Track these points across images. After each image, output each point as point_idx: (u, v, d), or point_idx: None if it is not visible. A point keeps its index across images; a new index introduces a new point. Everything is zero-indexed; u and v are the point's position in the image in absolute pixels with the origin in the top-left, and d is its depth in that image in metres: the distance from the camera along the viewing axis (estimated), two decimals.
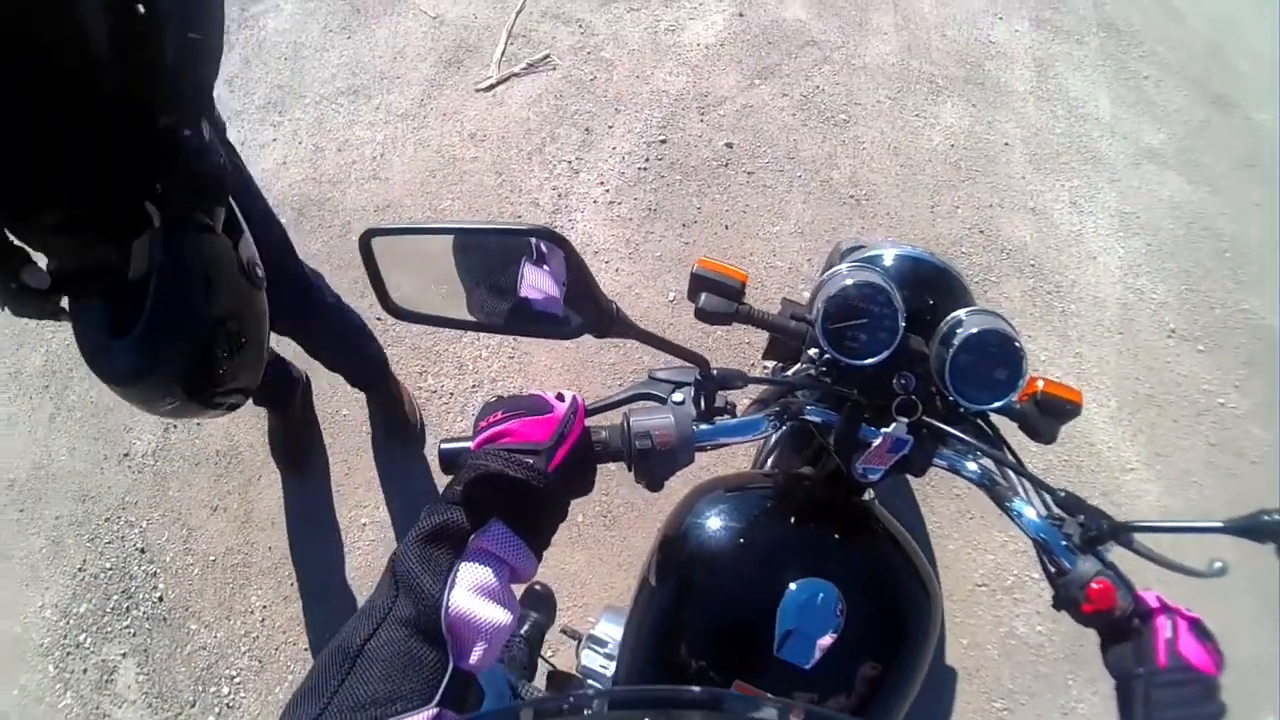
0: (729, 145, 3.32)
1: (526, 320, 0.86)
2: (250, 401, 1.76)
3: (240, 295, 1.42)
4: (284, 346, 2.40)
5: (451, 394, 2.79)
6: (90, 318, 1.35)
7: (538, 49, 3.69)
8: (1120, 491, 2.69)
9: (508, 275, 0.85)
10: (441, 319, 0.86)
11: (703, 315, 0.92)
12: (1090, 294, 3.11)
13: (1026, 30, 4.05)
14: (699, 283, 0.91)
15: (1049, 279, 3.12)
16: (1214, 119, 3.79)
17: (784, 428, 1.01)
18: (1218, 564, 0.80)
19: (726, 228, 3.14)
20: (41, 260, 1.36)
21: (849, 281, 0.94)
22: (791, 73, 3.65)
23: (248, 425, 2.73)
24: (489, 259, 0.87)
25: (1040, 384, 0.95)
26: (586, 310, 0.83)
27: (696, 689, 0.56)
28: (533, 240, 0.84)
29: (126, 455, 2.75)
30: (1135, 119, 3.74)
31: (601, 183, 3.24)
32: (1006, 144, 3.53)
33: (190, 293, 1.32)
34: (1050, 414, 0.94)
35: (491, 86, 3.55)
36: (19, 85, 1.11)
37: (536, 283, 0.84)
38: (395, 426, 2.63)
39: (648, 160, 3.25)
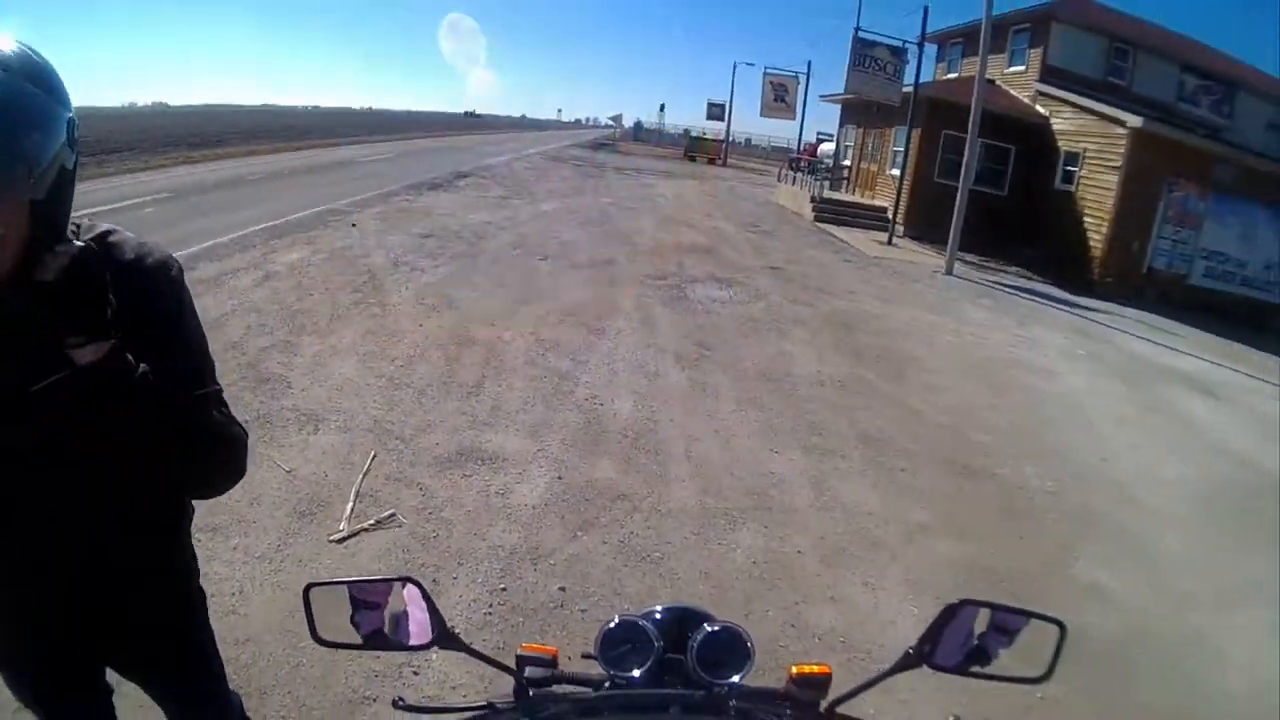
0: (562, 589, 3.62)
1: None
2: None
3: None
4: None
5: None
6: None
7: (384, 508, 4.06)
8: None
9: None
10: (349, 645, 1.18)
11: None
12: (895, 650, 3.38)
13: (799, 457, 4.82)
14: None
15: (858, 648, 3.40)
16: (966, 485, 4.47)
17: None
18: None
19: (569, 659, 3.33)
20: None
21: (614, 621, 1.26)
22: (608, 523, 4.13)
23: None
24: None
25: (793, 669, 1.22)
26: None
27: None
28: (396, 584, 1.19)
29: None
30: (901, 504, 4.37)
31: (452, 625, 3.43)
32: (799, 551, 4.02)
33: None
34: (810, 687, 1.20)
35: (344, 539, 3.80)
36: None
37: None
38: None
39: (491, 606, 3.48)
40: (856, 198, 23.36)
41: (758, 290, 10.50)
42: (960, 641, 1.12)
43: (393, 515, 4.00)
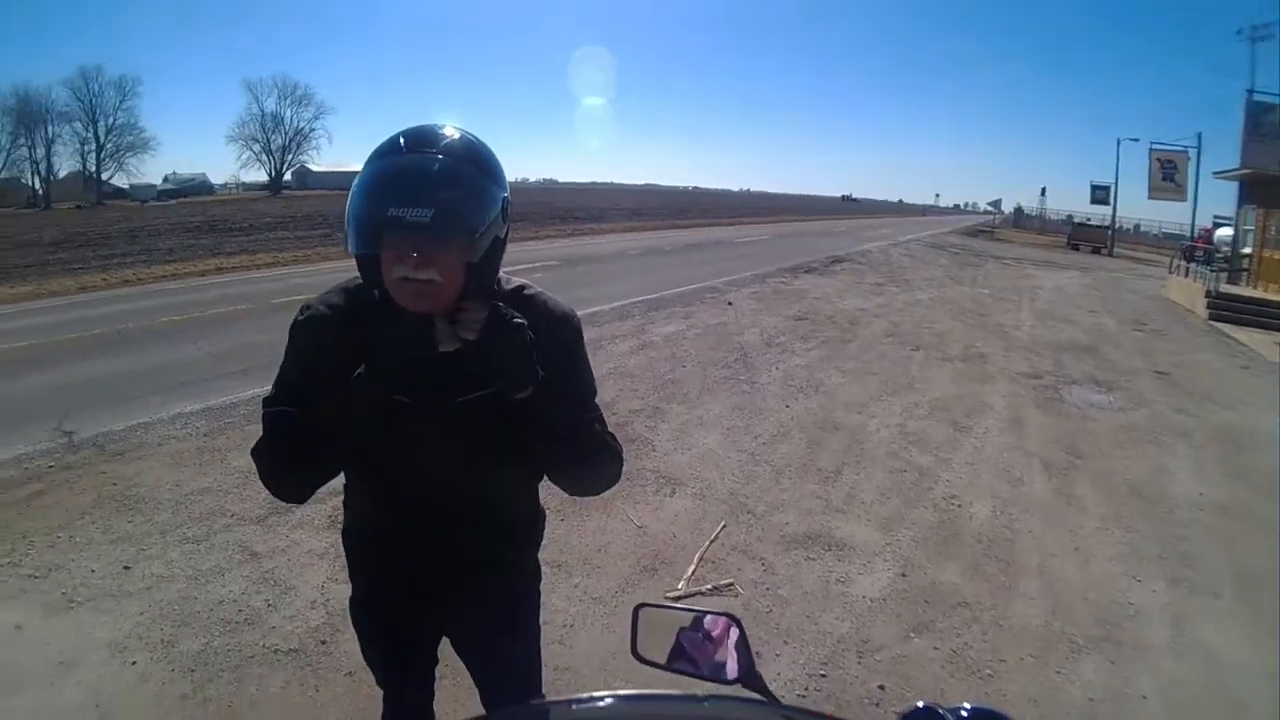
0: (881, 687, 3.62)
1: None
2: None
3: None
4: None
5: None
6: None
7: (724, 575, 4.26)
8: None
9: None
10: (660, 665, 1.33)
11: None
12: None
13: (1163, 589, 4.32)
14: None
15: None
16: None
17: None
18: None
19: None
20: None
21: None
22: (944, 629, 4.06)
23: None
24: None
25: None
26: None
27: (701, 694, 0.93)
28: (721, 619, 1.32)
29: None
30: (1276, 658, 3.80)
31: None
32: (1144, 697, 3.66)
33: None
34: None
35: (679, 598, 3.97)
36: None
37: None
38: None
39: (806, 689, 3.54)
40: (1259, 292, 20.04)
41: (1140, 396, 9.60)
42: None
43: (731, 584, 4.22)
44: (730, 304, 13.13)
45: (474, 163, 1.45)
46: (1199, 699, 3.66)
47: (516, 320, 1.42)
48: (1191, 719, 3.55)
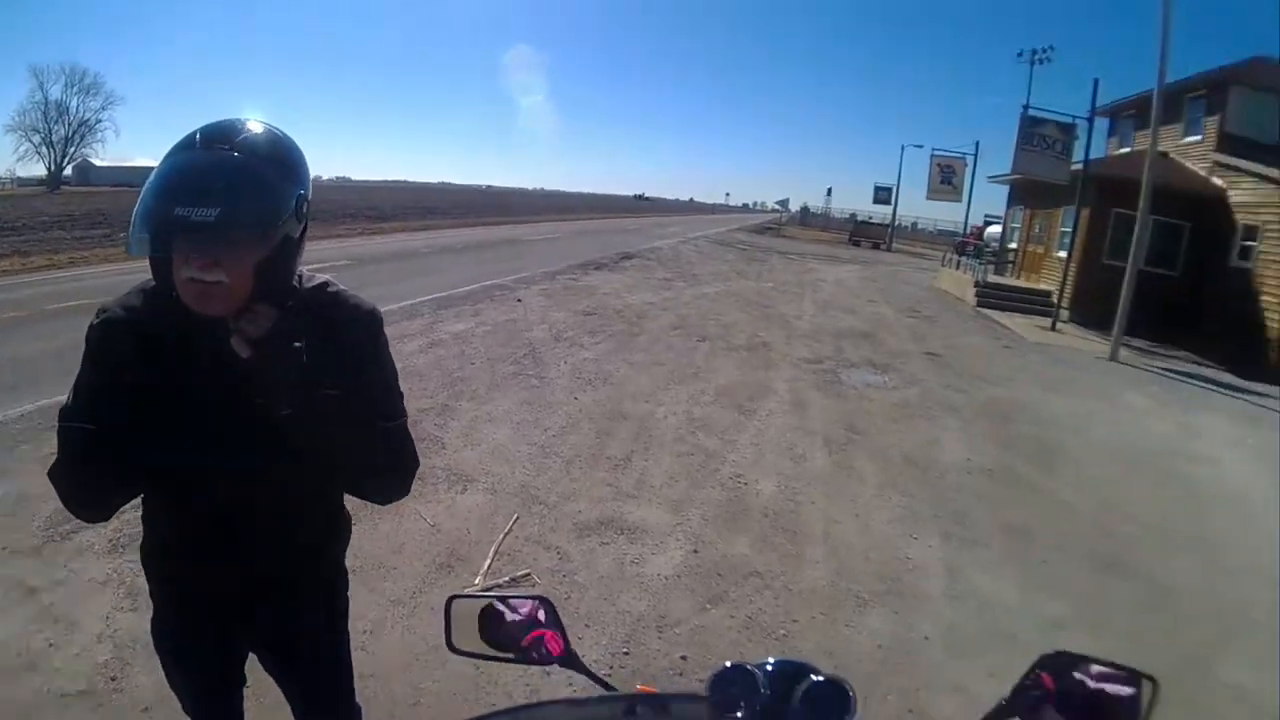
0: (683, 658, 3.68)
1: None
2: None
3: None
4: None
5: None
6: None
7: (520, 567, 4.26)
8: None
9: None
10: (479, 655, 1.31)
11: None
12: None
13: (937, 544, 4.73)
14: None
15: None
16: (1110, 581, 4.27)
17: None
18: None
19: None
20: None
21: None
22: (738, 598, 4.18)
23: None
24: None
25: None
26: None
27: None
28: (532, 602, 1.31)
29: None
30: (1041, 598, 4.21)
31: (570, 683, 3.52)
32: (926, 638, 3.94)
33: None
34: None
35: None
36: None
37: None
38: None
39: (611, 669, 3.54)
40: (1021, 282, 22.60)
41: (913, 376, 10.36)
42: (1050, 693, 1.11)
43: (528, 574, 4.22)
44: (520, 301, 13.08)
45: (269, 159, 1.39)
46: (975, 636, 3.96)
47: (295, 345, 1.39)
48: (969, 654, 3.81)
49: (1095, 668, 1.13)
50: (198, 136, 1.36)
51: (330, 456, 1.52)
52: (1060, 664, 1.13)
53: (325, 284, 1.61)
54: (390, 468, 1.62)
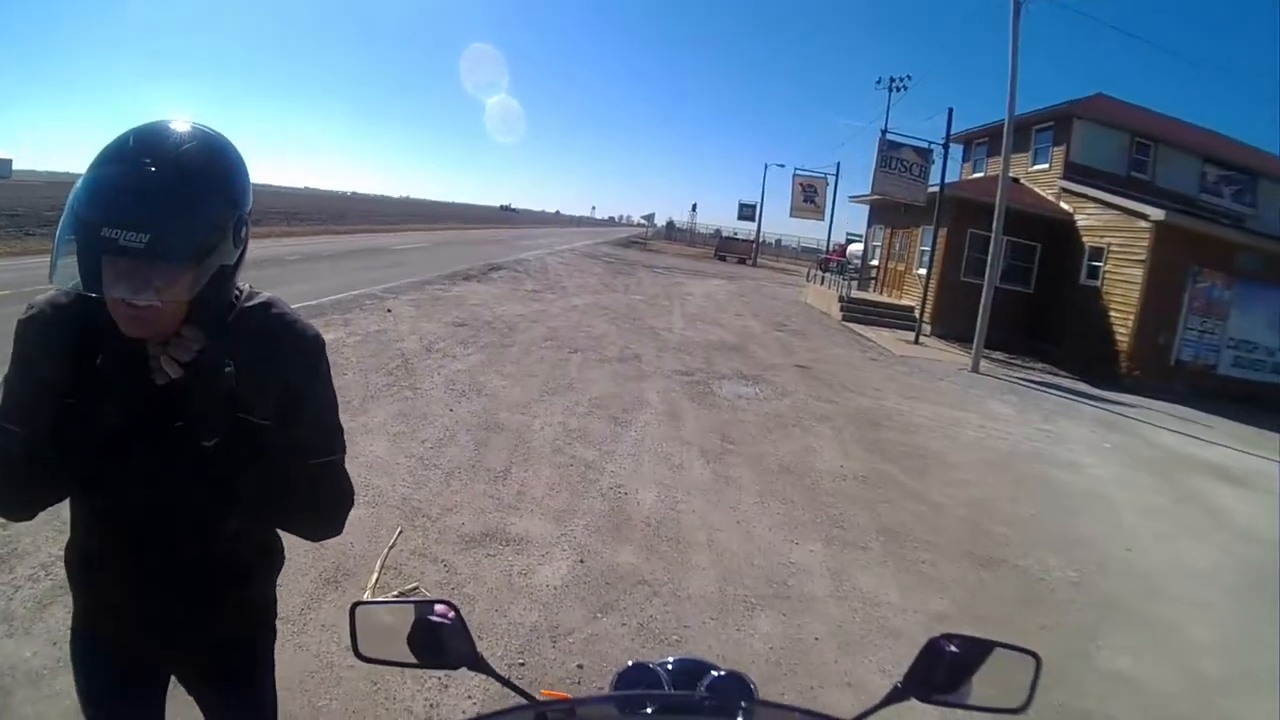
0: (580, 666, 3.64)
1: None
2: None
3: None
4: None
5: None
6: None
7: (408, 580, 4.14)
8: None
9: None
10: (386, 661, 1.29)
11: None
12: None
13: (819, 548, 4.86)
14: None
15: None
16: (985, 576, 4.49)
17: None
18: None
19: None
20: None
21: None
22: (628, 606, 4.17)
23: None
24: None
25: None
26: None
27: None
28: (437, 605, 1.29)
29: None
30: (920, 595, 4.39)
31: (469, 696, 3.40)
32: (816, 639, 4.03)
33: None
34: None
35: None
36: None
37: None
38: None
39: (509, 679, 3.48)
40: (884, 297, 23.63)
41: (783, 388, 10.62)
42: (942, 674, 1.19)
43: (416, 588, 4.09)
44: (390, 311, 12.72)
45: (206, 178, 1.28)
46: (862, 633, 4.07)
47: (226, 369, 1.32)
48: (858, 649, 3.92)
49: (982, 647, 1.20)
50: (131, 142, 1.25)
51: (256, 490, 1.45)
52: (950, 645, 1.20)
53: (268, 304, 1.51)
54: (319, 506, 1.57)
